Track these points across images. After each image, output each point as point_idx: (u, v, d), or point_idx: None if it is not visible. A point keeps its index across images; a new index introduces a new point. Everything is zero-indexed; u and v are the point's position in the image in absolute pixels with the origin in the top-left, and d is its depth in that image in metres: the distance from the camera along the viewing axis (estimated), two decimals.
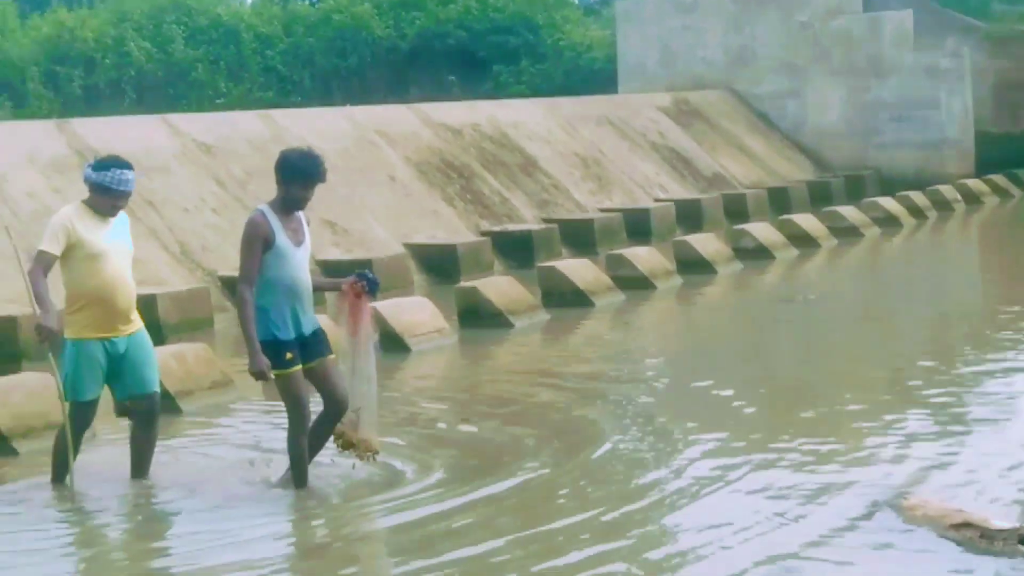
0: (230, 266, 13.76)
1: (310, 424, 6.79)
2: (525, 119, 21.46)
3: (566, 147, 21.26)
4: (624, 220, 18.05)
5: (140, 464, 7.18)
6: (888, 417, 8.46)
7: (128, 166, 6.92)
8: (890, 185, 22.70)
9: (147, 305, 12.71)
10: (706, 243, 15.93)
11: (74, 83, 30.68)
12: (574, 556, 5.66)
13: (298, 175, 6.56)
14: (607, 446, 7.53)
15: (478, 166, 19.11)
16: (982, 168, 24.16)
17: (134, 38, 30.73)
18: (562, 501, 6.61)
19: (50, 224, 7.02)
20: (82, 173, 7.09)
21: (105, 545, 6.73)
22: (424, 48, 29.86)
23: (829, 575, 5.61)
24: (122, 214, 7.10)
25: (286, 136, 17.27)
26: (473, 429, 8.32)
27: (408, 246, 15.63)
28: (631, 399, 9.01)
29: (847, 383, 9.95)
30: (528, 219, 18.44)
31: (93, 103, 29.22)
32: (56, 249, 6.71)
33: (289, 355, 6.53)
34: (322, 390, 6.81)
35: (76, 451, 7.15)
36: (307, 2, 35.16)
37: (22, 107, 30.18)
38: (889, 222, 19.32)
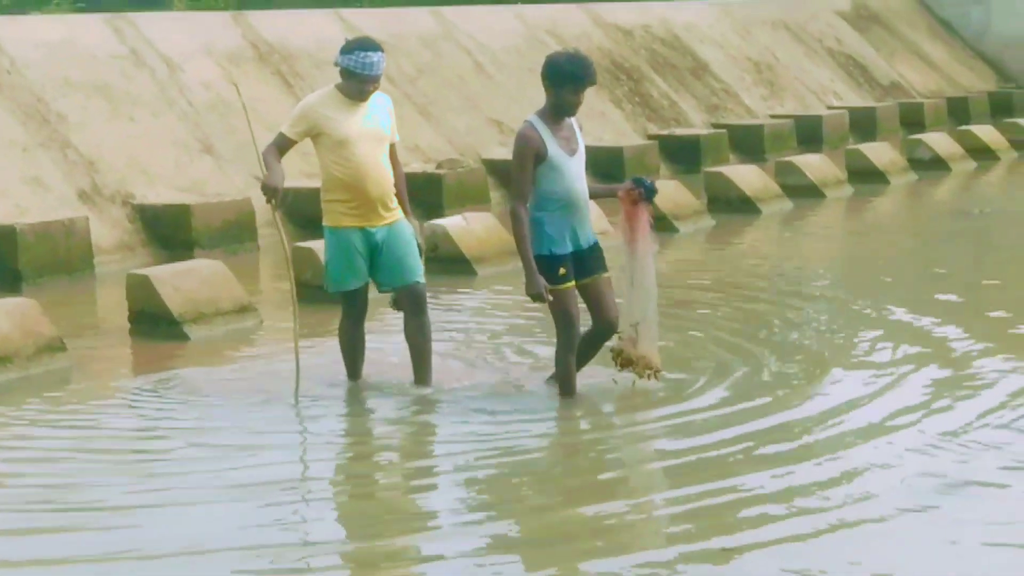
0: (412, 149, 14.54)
1: (579, 342, 6.60)
2: (697, 21, 21.13)
3: (739, 51, 20.96)
4: (795, 127, 18.07)
5: (421, 365, 6.72)
6: None
7: (375, 47, 6.56)
8: None
9: (316, 198, 12.93)
10: (880, 152, 15.75)
11: None
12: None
13: (568, 78, 6.24)
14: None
15: (648, 68, 18.98)
16: None
17: None
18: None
19: (296, 107, 7.02)
20: (336, 59, 6.60)
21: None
22: None
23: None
24: (386, 98, 6.79)
25: (456, 33, 17.58)
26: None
27: None
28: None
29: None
30: (697, 123, 18.26)
31: None
32: (293, 133, 6.54)
33: (562, 270, 6.28)
34: (592, 309, 6.52)
35: (358, 344, 6.80)
36: None
37: None
38: None
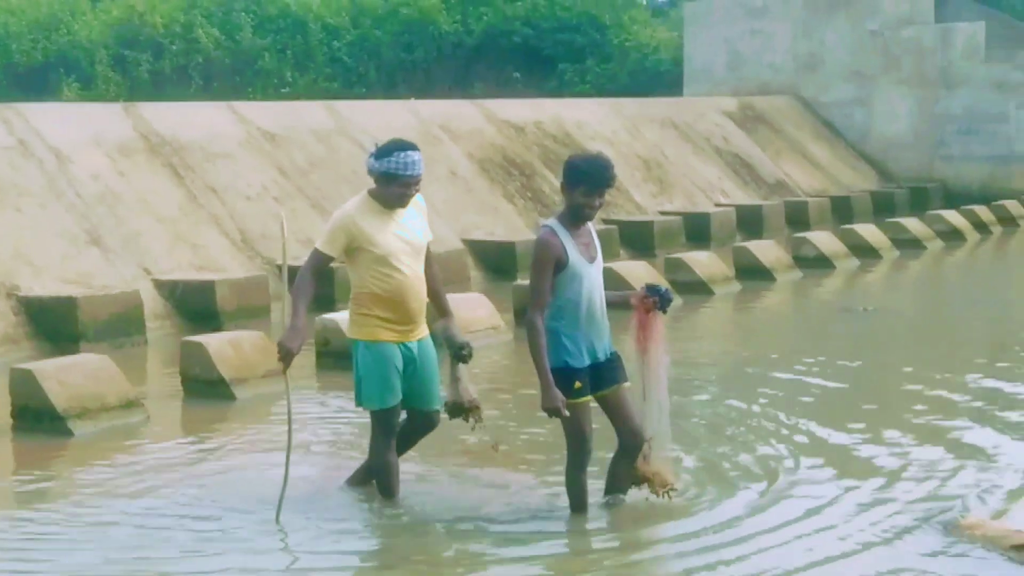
0: (289, 256, 13.87)
1: (590, 460, 6.26)
2: (588, 119, 21.54)
3: (628, 148, 21.25)
4: (684, 223, 18.32)
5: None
6: (943, 432, 8.43)
7: (413, 147, 6.40)
8: (955, 198, 22.90)
9: (206, 291, 13.16)
10: (766, 250, 16.08)
11: (142, 67, 31.49)
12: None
13: (582, 179, 6.05)
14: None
15: (540, 164, 19.20)
16: None
17: (203, 24, 31.44)
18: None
19: (331, 220, 6.61)
20: (365, 163, 6.48)
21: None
22: (490, 44, 30.40)
23: None
24: (417, 197, 6.56)
25: (349, 127, 17.62)
26: None
27: (467, 242, 15.69)
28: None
29: (900, 398, 9.90)
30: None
31: (160, 88, 29.90)
32: (332, 251, 6.31)
33: (578, 384, 6.04)
34: (615, 420, 6.29)
35: (395, 461, 6.57)
36: None
37: (89, 89, 30.88)
38: (953, 236, 19.34)
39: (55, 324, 11.87)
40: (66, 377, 8.80)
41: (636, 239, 17.14)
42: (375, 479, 6.73)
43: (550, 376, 5.88)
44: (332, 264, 6.27)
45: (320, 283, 6.67)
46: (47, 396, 8.63)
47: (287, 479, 6.48)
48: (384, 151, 6.26)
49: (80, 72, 31.69)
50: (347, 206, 6.51)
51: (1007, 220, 21.15)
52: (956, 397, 9.80)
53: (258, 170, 15.81)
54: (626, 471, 6.33)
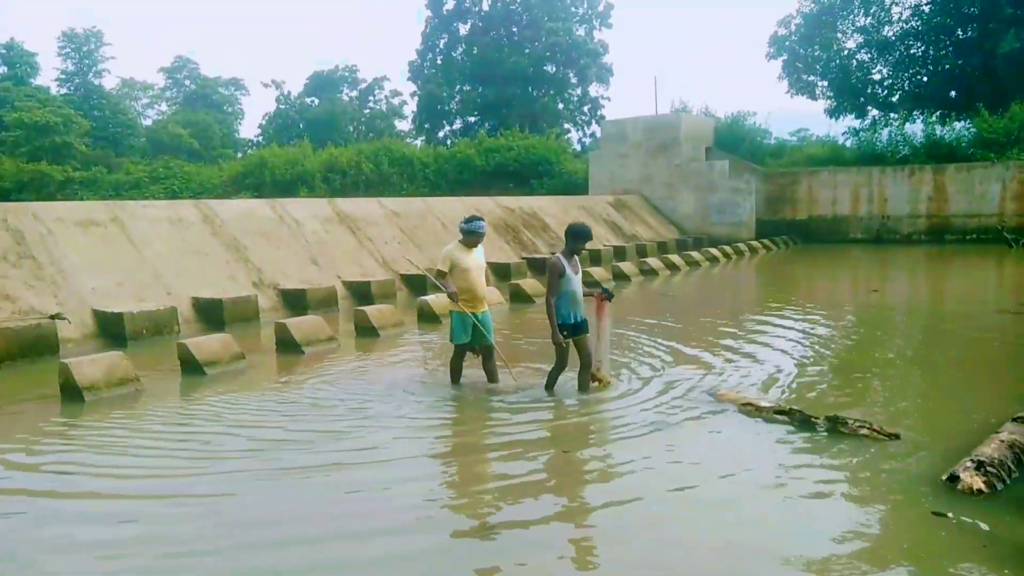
0: (403, 268, 17.22)
1: (565, 366, 7.92)
2: (545, 205, 25.44)
3: (563, 220, 24.80)
4: (588, 255, 21.87)
5: (492, 376, 8.47)
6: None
7: (481, 219, 8.03)
8: (715, 242, 27.92)
9: (366, 286, 15.52)
10: (626, 266, 20.28)
11: (336, 183, 37.89)
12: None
13: (579, 236, 7.85)
14: None
15: (521, 226, 22.93)
16: (758, 235, 29.26)
17: (366, 163, 38.87)
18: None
19: (442, 253, 8.18)
20: (458, 227, 8.39)
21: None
22: (500, 170, 36.85)
23: (688, 427, 7.14)
24: (480, 246, 8.11)
25: (433, 210, 20.71)
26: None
27: (488, 263, 16.84)
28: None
29: (703, 331, 11.78)
30: (544, 251, 21.70)
31: (348, 193, 35.47)
32: (443, 267, 8.05)
33: (565, 333, 7.78)
34: (581, 352, 7.88)
35: (460, 369, 8.27)
36: (446, 146, 42.78)
37: (312, 192, 36.65)
38: (714, 260, 23.81)
39: (296, 302, 14.46)
40: (301, 325, 11.29)
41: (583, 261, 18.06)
42: (451, 375, 8.36)
43: (558, 328, 7.62)
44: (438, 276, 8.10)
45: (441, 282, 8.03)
46: (292, 334, 11.10)
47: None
48: (468, 220, 8.05)
49: (308, 184, 38.36)
50: (448, 246, 8.18)
51: (739, 252, 25.62)
52: (731, 330, 11.87)
53: (391, 230, 18.82)
54: (584, 375, 7.84)
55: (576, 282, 7.81)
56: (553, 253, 8.10)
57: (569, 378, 8.13)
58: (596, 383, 8.08)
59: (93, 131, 57.52)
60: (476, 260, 8.21)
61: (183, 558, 4.85)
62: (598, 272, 18.61)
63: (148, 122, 68.51)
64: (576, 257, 7.87)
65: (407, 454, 6.48)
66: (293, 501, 5.59)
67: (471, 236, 8.20)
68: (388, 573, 4.62)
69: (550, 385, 8.03)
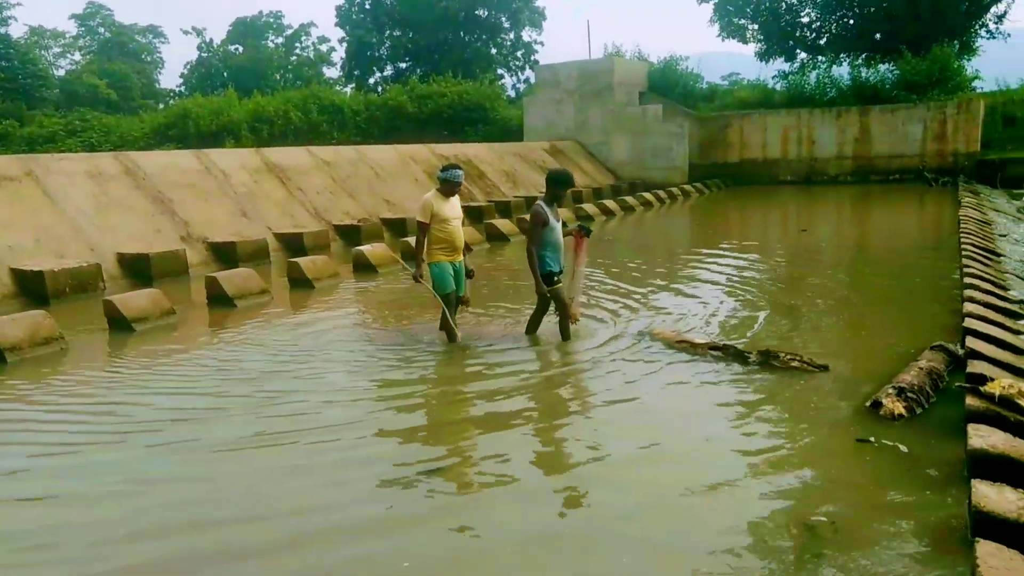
0: (336, 219, 17.11)
1: (544, 316, 8.19)
2: (480, 153, 25.26)
3: (498, 167, 25.10)
4: (525, 202, 22.18)
5: (451, 322, 8.21)
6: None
7: (459, 167, 7.92)
8: (649, 187, 28.07)
9: (299, 237, 15.44)
10: (564, 213, 19.10)
11: (264, 133, 37.83)
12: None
13: (560, 183, 7.79)
14: None
15: None
16: (691, 179, 29.71)
17: (294, 111, 38.87)
18: None
19: (421, 202, 8.04)
20: (437, 174, 8.15)
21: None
22: (433, 117, 36.90)
23: (627, 365, 7.27)
24: (456, 195, 8.00)
25: (366, 159, 20.65)
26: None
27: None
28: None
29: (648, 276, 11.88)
30: (480, 200, 21.69)
31: (276, 143, 35.22)
32: (423, 218, 7.96)
33: (557, 279, 7.99)
34: (557, 301, 8.12)
35: (453, 317, 8.20)
36: (377, 93, 42.88)
37: (239, 143, 36.26)
38: (649, 204, 24.21)
39: (226, 256, 14.36)
40: (232, 278, 11.31)
41: (503, 210, 20.93)
42: (442, 324, 8.34)
43: (540, 277, 7.67)
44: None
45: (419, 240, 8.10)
46: (223, 287, 11.14)
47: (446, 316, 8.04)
48: (445, 168, 7.90)
49: (235, 134, 38.24)
50: (427, 195, 8.05)
51: (673, 195, 26.45)
52: (664, 272, 12.45)
53: (321, 179, 18.89)
54: (565, 323, 8.10)
55: (559, 231, 7.85)
56: (536, 200, 8.65)
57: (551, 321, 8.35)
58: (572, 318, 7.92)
59: (1, 82, 56.05)
60: (455, 210, 8.19)
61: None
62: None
63: (61, 72, 66.31)
64: (556, 204, 7.91)
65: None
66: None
67: (449, 185, 8.14)
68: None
69: (533, 327, 8.29)
